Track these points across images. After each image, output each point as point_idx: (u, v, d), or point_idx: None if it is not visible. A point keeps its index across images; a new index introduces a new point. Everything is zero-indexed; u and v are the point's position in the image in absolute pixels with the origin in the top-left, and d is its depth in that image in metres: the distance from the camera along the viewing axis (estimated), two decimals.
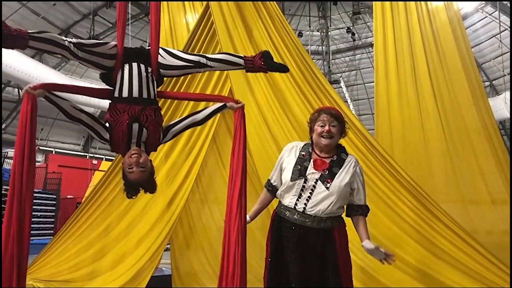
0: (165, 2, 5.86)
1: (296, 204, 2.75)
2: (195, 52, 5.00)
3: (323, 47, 22.94)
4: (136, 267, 4.83)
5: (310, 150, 2.86)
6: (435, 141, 4.75)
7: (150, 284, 4.84)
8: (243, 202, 2.47)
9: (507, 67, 17.51)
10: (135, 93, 2.45)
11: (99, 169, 19.93)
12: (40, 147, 20.22)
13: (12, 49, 2.31)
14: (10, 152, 18.78)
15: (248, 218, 2.87)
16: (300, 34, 20.46)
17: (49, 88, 2.34)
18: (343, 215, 2.88)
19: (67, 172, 17.88)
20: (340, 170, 2.76)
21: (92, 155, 22.21)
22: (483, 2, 16.59)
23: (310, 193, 2.73)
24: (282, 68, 2.85)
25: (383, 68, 5.17)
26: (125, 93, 2.45)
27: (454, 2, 5.10)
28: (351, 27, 21.10)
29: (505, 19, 16.02)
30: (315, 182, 2.74)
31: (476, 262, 3.74)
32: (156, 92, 2.59)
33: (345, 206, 2.87)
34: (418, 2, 5.09)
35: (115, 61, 2.50)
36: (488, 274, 3.66)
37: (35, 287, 4.60)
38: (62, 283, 4.77)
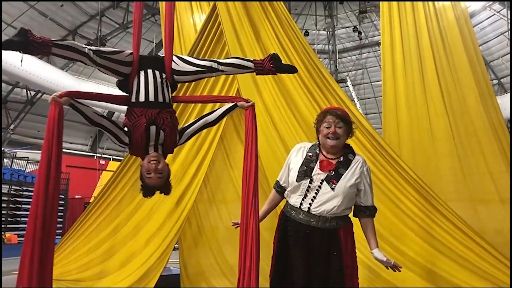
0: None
1: (301, 204, 2.76)
2: (202, 52, 5.05)
3: (330, 46, 22.91)
4: (144, 267, 4.85)
5: (317, 151, 2.86)
6: (443, 140, 4.74)
7: (159, 284, 4.85)
8: (256, 200, 2.56)
9: None
10: (151, 97, 2.55)
11: (107, 169, 20.05)
12: None
13: (37, 55, 2.44)
14: (19, 152, 18.93)
15: None
16: (306, 33, 20.44)
17: (73, 96, 2.41)
18: (351, 215, 2.89)
19: (75, 172, 17.98)
20: (347, 171, 2.76)
21: (99, 155, 22.31)
22: (491, 0, 16.49)
23: (316, 193, 2.73)
24: (291, 70, 2.91)
25: (390, 67, 5.17)
26: (141, 98, 2.55)
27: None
28: (358, 26, 21.06)
29: None
30: (321, 183, 2.74)
31: (485, 261, 3.73)
32: (170, 96, 2.69)
33: (352, 206, 2.87)
34: (426, 1, 5.07)
35: (131, 68, 2.61)
36: (497, 273, 3.65)
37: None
38: (71, 283, 4.80)
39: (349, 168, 2.77)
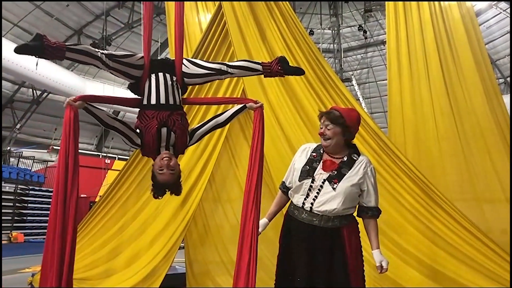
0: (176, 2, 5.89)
1: (303, 203, 2.77)
2: (208, 52, 5.07)
3: (335, 45, 22.85)
4: (150, 266, 4.87)
5: (321, 151, 2.88)
6: (449, 139, 4.73)
7: (164, 283, 4.87)
8: (257, 200, 2.62)
9: None
10: (162, 100, 2.62)
11: (112, 168, 20.12)
12: (54, 147, 20.42)
13: (51, 59, 2.53)
14: (25, 152, 19.03)
15: (265, 220, 2.97)
16: (311, 32, 20.41)
17: (87, 100, 2.50)
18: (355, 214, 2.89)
19: (81, 171, 17.93)
20: (350, 171, 2.76)
21: (105, 154, 22.39)
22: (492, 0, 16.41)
23: (317, 193, 2.74)
24: (298, 72, 2.99)
25: (396, 66, 5.16)
26: (153, 101, 2.62)
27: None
28: (363, 25, 21.00)
29: None
30: (323, 183, 2.75)
31: (491, 261, 3.72)
32: (181, 99, 2.76)
33: (356, 206, 2.87)
34: (431, 1, 5.06)
35: (142, 71, 2.69)
36: (504, 273, 3.64)
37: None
38: (78, 281, 4.81)
39: (352, 168, 2.77)
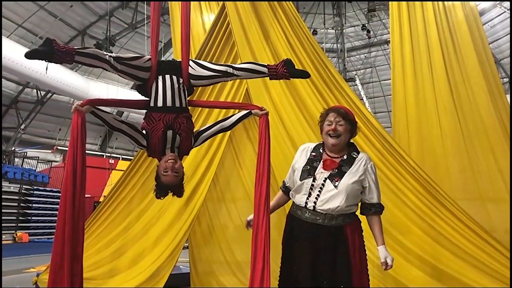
0: (180, 2, 5.90)
1: (306, 203, 2.77)
2: (212, 52, 5.07)
3: (338, 44, 22.85)
4: (154, 265, 4.88)
5: (321, 151, 2.88)
6: (453, 138, 4.73)
7: (169, 282, 4.87)
8: (268, 206, 2.67)
9: None
10: (169, 102, 2.66)
11: (116, 168, 20.17)
12: (59, 147, 20.50)
13: (61, 63, 2.59)
14: (30, 152, 19.09)
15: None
16: (314, 32, 20.41)
17: (94, 104, 2.55)
18: (358, 213, 2.89)
19: None
20: (350, 169, 2.77)
21: (109, 154, 22.46)
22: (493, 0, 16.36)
23: (319, 191, 2.74)
24: (304, 74, 3.02)
25: (400, 66, 5.16)
26: (159, 103, 2.66)
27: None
28: (366, 24, 20.98)
29: None
30: (324, 181, 2.75)
31: (496, 261, 3.71)
32: (187, 101, 2.79)
33: (359, 204, 2.87)
34: (435, 1, 5.06)
35: (149, 73, 2.71)
36: (508, 272, 3.63)
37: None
38: (84, 281, 4.83)
39: (352, 166, 2.78)
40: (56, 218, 2.42)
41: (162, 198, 2.73)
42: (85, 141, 2.45)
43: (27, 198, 16.45)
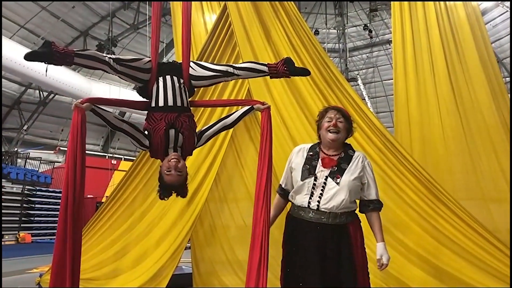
0: (182, 2, 5.91)
1: (309, 202, 2.78)
2: (213, 53, 5.08)
3: (340, 44, 22.84)
4: (157, 266, 4.89)
5: (318, 150, 2.91)
6: (455, 138, 4.72)
7: (171, 283, 4.88)
8: (268, 201, 2.62)
9: None
10: (170, 102, 2.65)
11: (119, 169, 20.20)
12: (61, 148, 20.54)
13: (61, 65, 2.59)
14: (32, 153, 19.13)
15: None
16: (316, 32, 20.41)
17: (95, 102, 2.52)
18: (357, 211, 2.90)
19: (87, 172, 17.98)
20: (349, 166, 2.80)
21: (111, 155, 22.48)
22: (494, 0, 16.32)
23: (322, 190, 2.76)
24: (304, 73, 2.98)
25: (402, 66, 5.16)
26: (161, 103, 2.65)
27: None
28: (368, 24, 20.96)
29: None
30: (325, 179, 2.77)
31: (499, 261, 3.71)
32: (188, 101, 2.78)
33: (358, 203, 2.88)
34: (437, 1, 5.06)
35: (150, 75, 2.71)
36: (507, 270, 3.63)
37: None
38: (85, 281, 4.84)
39: (350, 163, 2.82)
40: (57, 219, 2.42)
41: (165, 198, 2.70)
42: (85, 139, 2.42)
43: (29, 198, 16.48)
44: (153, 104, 2.67)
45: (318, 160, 2.84)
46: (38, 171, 18.88)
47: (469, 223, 3.85)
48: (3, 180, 15.17)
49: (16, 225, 15.64)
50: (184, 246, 5.12)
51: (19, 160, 19.15)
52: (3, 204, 14.47)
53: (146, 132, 2.64)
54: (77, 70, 18.72)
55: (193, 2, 5.96)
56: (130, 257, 5.05)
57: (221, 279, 5.38)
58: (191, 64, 2.81)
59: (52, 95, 19.48)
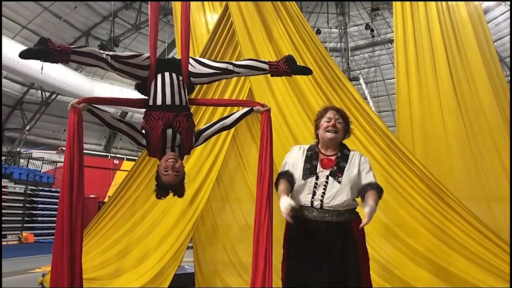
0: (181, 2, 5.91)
1: (312, 201, 2.78)
2: (215, 52, 5.08)
3: (342, 44, 22.82)
4: (159, 265, 4.89)
5: (316, 150, 2.93)
6: (457, 137, 4.72)
7: (173, 282, 4.89)
8: (270, 203, 2.63)
9: None
10: (168, 100, 2.62)
11: (121, 168, 20.22)
12: (63, 148, 20.52)
13: (57, 63, 2.54)
14: (35, 153, 19.17)
15: (292, 202, 2.65)
16: (318, 32, 20.39)
17: (91, 102, 2.52)
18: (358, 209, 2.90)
19: (89, 172, 18.09)
20: (347, 164, 2.83)
21: (113, 155, 22.51)
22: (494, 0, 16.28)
23: (324, 188, 2.77)
24: (306, 71, 2.98)
25: (403, 65, 5.15)
26: (159, 101, 2.62)
27: None
28: (370, 23, 20.94)
29: None
30: (327, 178, 2.79)
31: (501, 260, 3.70)
32: (187, 99, 2.75)
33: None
34: (438, 1, 5.05)
35: (148, 72, 2.68)
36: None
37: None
38: (88, 281, 4.84)
39: (348, 161, 2.85)
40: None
41: (162, 198, 2.68)
42: (82, 139, 2.42)
43: (32, 198, 16.50)
44: (151, 103, 2.65)
45: (317, 160, 2.86)
46: (40, 171, 18.91)
47: (472, 222, 3.84)
48: (6, 180, 15.19)
49: (19, 225, 15.67)
50: (186, 245, 5.13)
51: (21, 160, 19.18)
52: (6, 204, 14.51)
53: (143, 131, 2.62)
54: (79, 70, 18.75)
55: (195, 2, 6.00)
56: (132, 257, 5.05)
57: (224, 279, 5.39)
58: (191, 61, 2.78)
59: (55, 95, 19.50)
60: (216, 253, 5.58)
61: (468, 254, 3.84)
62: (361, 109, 4.34)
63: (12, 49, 13.83)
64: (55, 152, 20.29)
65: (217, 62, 2.91)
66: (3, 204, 13.87)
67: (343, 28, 22.26)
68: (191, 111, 2.79)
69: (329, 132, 2.85)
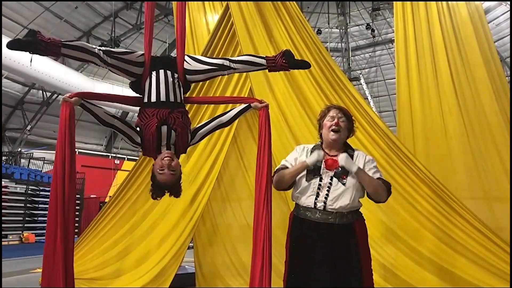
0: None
1: (315, 203, 2.77)
2: (216, 53, 5.08)
3: (342, 44, 22.82)
4: (160, 266, 4.90)
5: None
6: (457, 137, 4.71)
7: (174, 282, 4.89)
8: (269, 200, 2.58)
9: None
10: (163, 97, 2.55)
11: (122, 168, 20.23)
12: None
13: (46, 56, 2.44)
14: (36, 153, 19.18)
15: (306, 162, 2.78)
16: (319, 32, 20.39)
17: (84, 97, 2.44)
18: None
19: (90, 172, 18.16)
20: None
21: (114, 155, 22.52)
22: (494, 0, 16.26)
23: (328, 190, 2.75)
24: (304, 65, 2.90)
25: (404, 65, 5.15)
26: (153, 98, 2.56)
27: None
28: (371, 24, 20.93)
29: None
30: (331, 179, 2.77)
31: (501, 260, 3.70)
32: (182, 97, 2.69)
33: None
34: (439, 1, 5.05)
35: (143, 69, 2.62)
36: None
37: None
38: (89, 281, 4.85)
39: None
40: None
41: (158, 198, 2.61)
42: (73, 135, 2.34)
43: (33, 198, 16.49)
44: (145, 100, 2.58)
45: (321, 161, 2.83)
46: (41, 171, 18.91)
47: (472, 223, 3.84)
48: (7, 180, 15.20)
49: (20, 225, 15.66)
50: (187, 245, 5.13)
51: (22, 160, 19.19)
52: (7, 204, 14.51)
53: (138, 129, 2.55)
54: (80, 70, 18.78)
55: (195, 2, 6.00)
56: (133, 257, 5.06)
57: (224, 279, 5.39)
58: (186, 58, 2.72)
59: (55, 95, 19.52)
60: (217, 253, 5.58)
61: (469, 254, 3.83)
62: (362, 110, 4.34)
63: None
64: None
65: (213, 58, 2.85)
66: (4, 204, 13.87)
67: (343, 28, 22.26)
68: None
69: (332, 131, 2.82)
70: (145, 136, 2.51)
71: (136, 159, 5.57)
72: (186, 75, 2.71)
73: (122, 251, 5.09)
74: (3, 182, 14.22)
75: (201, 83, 5.04)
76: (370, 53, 23.02)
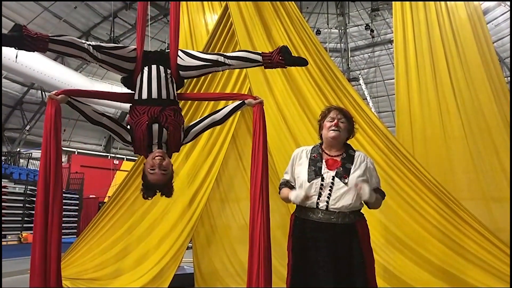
0: (184, 2, 5.91)
1: (317, 203, 2.77)
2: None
3: (342, 44, 22.80)
4: (159, 266, 4.90)
5: (320, 151, 2.91)
6: (456, 138, 4.72)
7: (173, 283, 4.89)
8: (265, 198, 2.53)
9: None
10: (154, 94, 2.48)
11: (121, 169, 20.23)
12: (63, 148, 20.55)
13: (33, 51, 2.36)
14: (35, 153, 19.17)
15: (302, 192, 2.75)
16: (318, 32, 20.38)
17: (71, 94, 2.39)
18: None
19: (89, 172, 18.15)
20: (353, 165, 2.81)
21: (113, 155, 22.51)
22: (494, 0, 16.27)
23: (330, 190, 2.75)
24: (301, 62, 2.83)
25: (403, 65, 5.15)
26: (144, 95, 2.48)
27: None
28: (370, 24, 20.93)
29: None
30: (332, 179, 2.77)
31: (501, 261, 3.70)
32: (175, 93, 2.62)
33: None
34: (438, 1, 5.05)
35: (135, 64, 2.55)
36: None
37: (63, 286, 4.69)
38: (87, 282, 4.85)
39: (354, 162, 2.82)
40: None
41: (149, 198, 2.53)
42: (59, 133, 2.28)
43: (32, 199, 16.46)
44: (136, 97, 2.50)
45: (322, 161, 2.83)
46: None
47: (471, 223, 3.84)
48: (5, 180, 15.19)
49: (19, 225, 15.65)
50: (186, 246, 5.14)
51: (21, 160, 19.18)
52: (6, 204, 14.49)
53: (128, 127, 2.48)
54: (79, 70, 18.76)
55: (194, 3, 6.00)
56: (132, 257, 5.06)
57: (223, 280, 5.39)
58: (180, 53, 2.65)
59: None
60: (216, 253, 5.58)
61: (468, 255, 3.84)
62: (360, 110, 4.35)
63: (12, 49, 13.82)
64: None
65: (207, 54, 2.76)
66: (3, 204, 13.85)
67: (343, 28, 22.25)
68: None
69: (332, 130, 2.83)
70: (136, 135, 2.44)
71: (135, 160, 5.56)
72: (179, 71, 2.63)
73: (121, 252, 5.09)
74: (2, 182, 14.20)
75: (200, 81, 5.04)
76: (369, 54, 23.01)
